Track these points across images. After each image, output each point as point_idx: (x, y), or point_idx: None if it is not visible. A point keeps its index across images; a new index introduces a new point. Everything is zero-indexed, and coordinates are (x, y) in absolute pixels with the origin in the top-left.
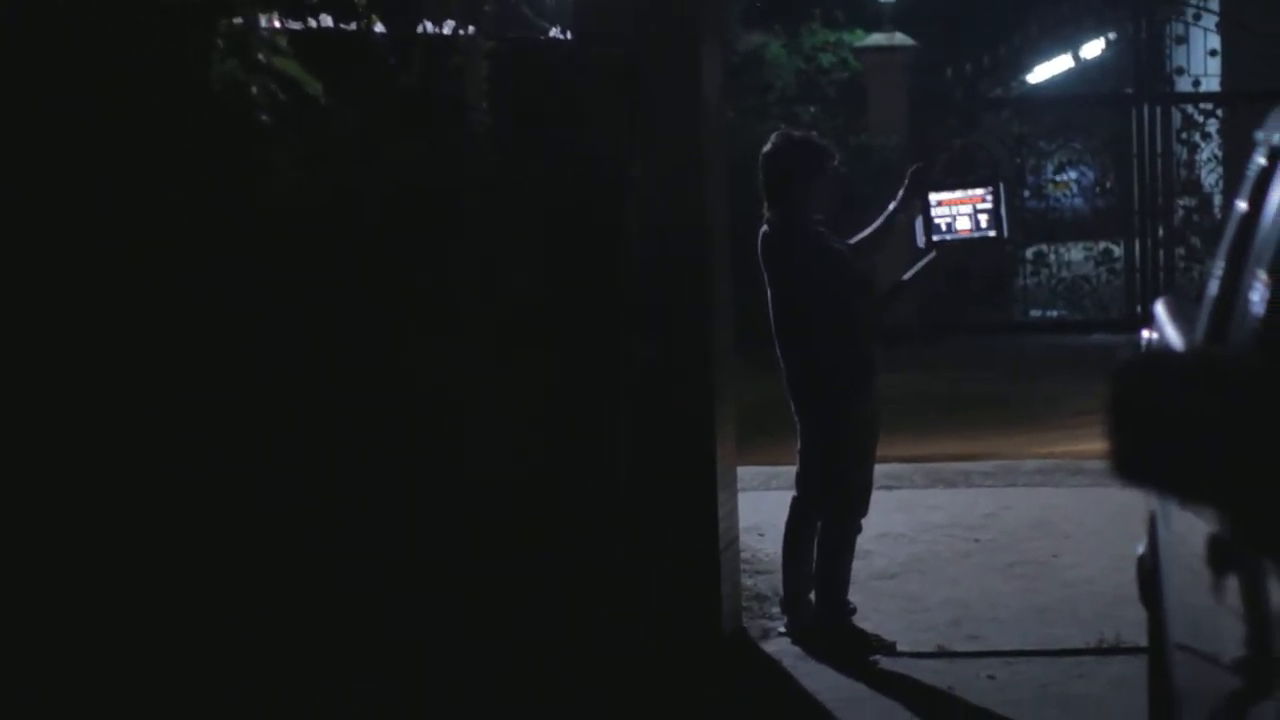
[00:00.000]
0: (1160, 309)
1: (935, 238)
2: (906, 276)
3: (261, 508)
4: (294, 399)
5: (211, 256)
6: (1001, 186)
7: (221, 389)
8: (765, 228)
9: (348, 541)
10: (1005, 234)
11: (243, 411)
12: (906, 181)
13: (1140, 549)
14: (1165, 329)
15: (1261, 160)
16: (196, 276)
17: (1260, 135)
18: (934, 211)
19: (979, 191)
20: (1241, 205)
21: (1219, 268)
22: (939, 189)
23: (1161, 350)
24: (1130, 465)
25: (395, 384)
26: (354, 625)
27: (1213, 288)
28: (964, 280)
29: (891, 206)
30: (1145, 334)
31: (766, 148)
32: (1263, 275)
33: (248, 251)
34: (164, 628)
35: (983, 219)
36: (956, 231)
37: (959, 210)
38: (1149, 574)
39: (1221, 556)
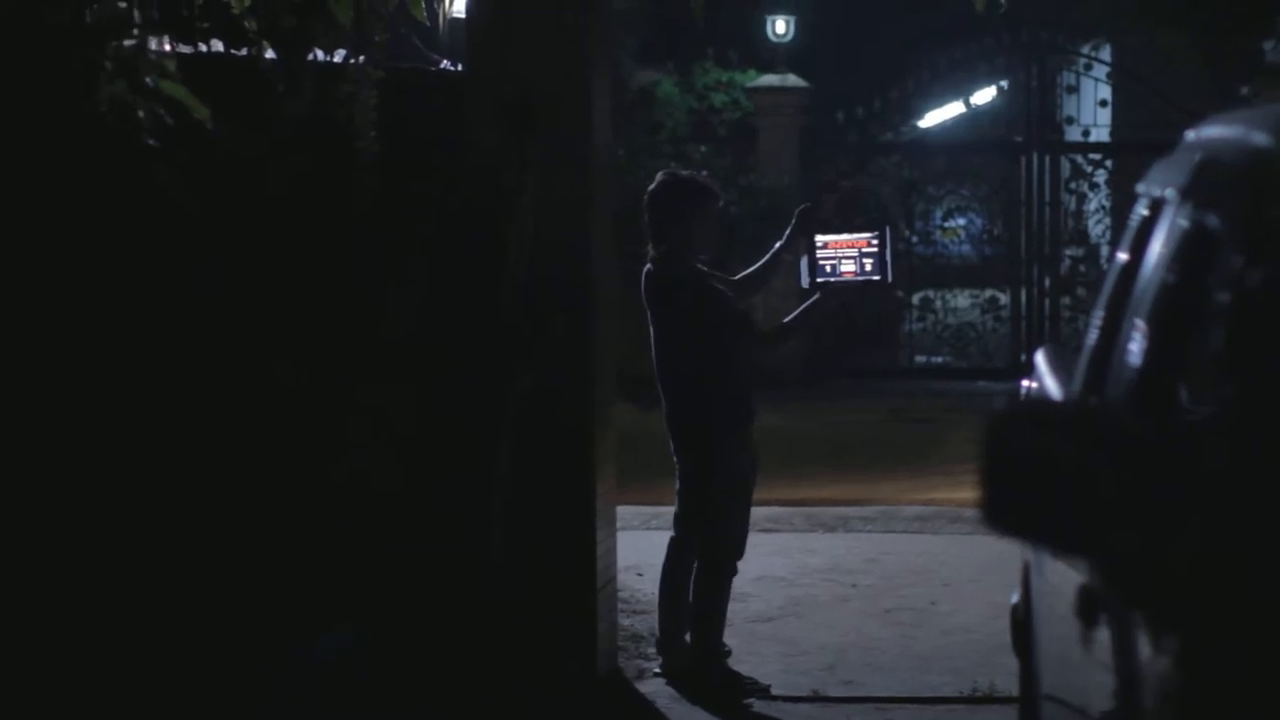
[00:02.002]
0: (1040, 358)
1: (819, 279)
2: (789, 319)
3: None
4: (148, 419)
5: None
6: (888, 231)
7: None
8: (648, 265)
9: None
10: (889, 279)
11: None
12: (794, 221)
13: (1014, 598)
14: (1044, 378)
15: (1143, 211)
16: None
17: (1142, 187)
18: (819, 253)
19: (865, 235)
20: (1122, 256)
21: (1099, 317)
22: (825, 231)
23: (1036, 400)
24: (1000, 515)
25: (268, 409)
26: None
27: (1092, 337)
28: (847, 324)
29: (777, 245)
30: (1025, 383)
31: (651, 186)
32: (1140, 325)
33: (130, 268)
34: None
35: (867, 263)
36: (840, 274)
37: (844, 253)
38: (1022, 623)
39: (1091, 607)
